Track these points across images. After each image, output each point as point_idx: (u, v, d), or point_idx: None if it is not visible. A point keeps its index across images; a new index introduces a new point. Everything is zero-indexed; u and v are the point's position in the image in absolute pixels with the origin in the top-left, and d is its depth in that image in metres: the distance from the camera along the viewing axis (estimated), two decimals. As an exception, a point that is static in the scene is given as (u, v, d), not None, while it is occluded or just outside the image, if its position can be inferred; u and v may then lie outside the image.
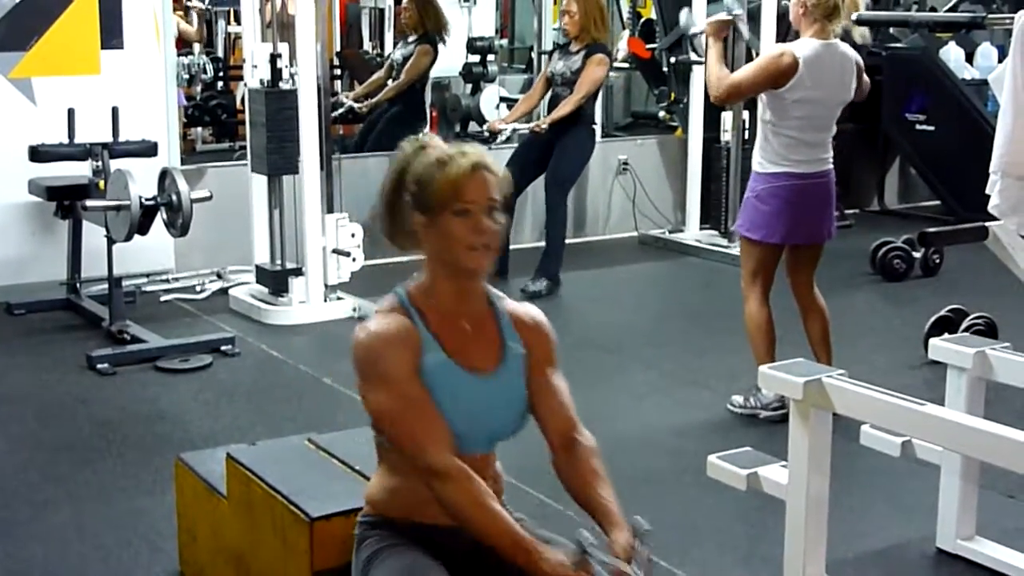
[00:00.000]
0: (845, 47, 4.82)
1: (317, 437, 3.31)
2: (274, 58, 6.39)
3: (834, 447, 3.31)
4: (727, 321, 6.50)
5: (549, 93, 7.29)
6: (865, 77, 4.94)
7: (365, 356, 2.37)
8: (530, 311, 2.54)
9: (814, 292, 5.01)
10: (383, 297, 2.48)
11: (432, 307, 2.42)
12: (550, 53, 7.68)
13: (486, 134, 7.87)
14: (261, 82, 6.45)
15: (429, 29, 8.32)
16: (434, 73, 9.57)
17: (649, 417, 4.99)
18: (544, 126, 7.01)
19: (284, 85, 6.40)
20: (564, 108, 6.99)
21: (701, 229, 8.47)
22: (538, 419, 2.49)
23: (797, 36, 4.87)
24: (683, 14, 8.31)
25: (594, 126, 7.31)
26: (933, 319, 5.76)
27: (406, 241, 2.45)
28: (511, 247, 7.19)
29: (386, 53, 10.80)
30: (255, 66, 6.52)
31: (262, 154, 6.41)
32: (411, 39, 8.44)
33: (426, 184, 2.37)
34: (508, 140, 7.41)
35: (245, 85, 6.95)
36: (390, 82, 8.50)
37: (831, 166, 4.87)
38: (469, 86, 9.57)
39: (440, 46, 8.45)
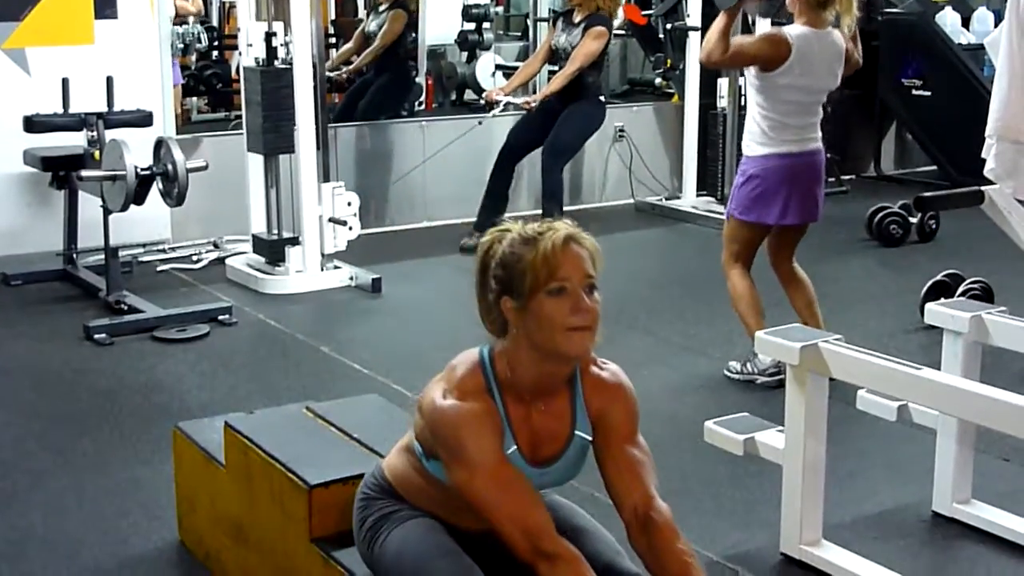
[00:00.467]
0: (836, 35, 4.79)
1: (315, 405, 3.31)
2: (269, 37, 6.37)
3: (830, 412, 3.32)
4: (724, 288, 6.48)
5: (550, 65, 7.25)
6: (856, 54, 4.90)
7: (453, 433, 2.25)
8: (612, 380, 2.41)
9: (794, 265, 5.04)
10: (464, 353, 2.38)
11: (512, 386, 2.32)
12: (553, 20, 7.56)
13: (482, 102, 7.80)
14: (256, 61, 6.42)
15: None
16: (429, 41, 9.56)
17: (646, 384, 4.98)
18: (534, 103, 6.95)
19: (279, 64, 6.37)
20: (555, 82, 6.94)
21: (698, 196, 8.46)
22: (611, 494, 2.36)
23: (791, 20, 4.85)
24: None
25: (601, 98, 7.20)
26: (929, 284, 5.76)
27: (498, 328, 2.34)
28: (507, 215, 7.22)
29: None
30: (250, 45, 6.49)
31: (258, 133, 6.39)
32: (382, 8, 8.46)
33: (513, 265, 2.26)
34: (504, 111, 7.35)
35: (240, 55, 6.92)
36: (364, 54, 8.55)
37: (820, 145, 4.88)
38: (465, 54, 9.55)
39: (413, 9, 8.52)
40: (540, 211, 7.12)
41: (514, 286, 2.25)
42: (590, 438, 2.36)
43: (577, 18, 6.98)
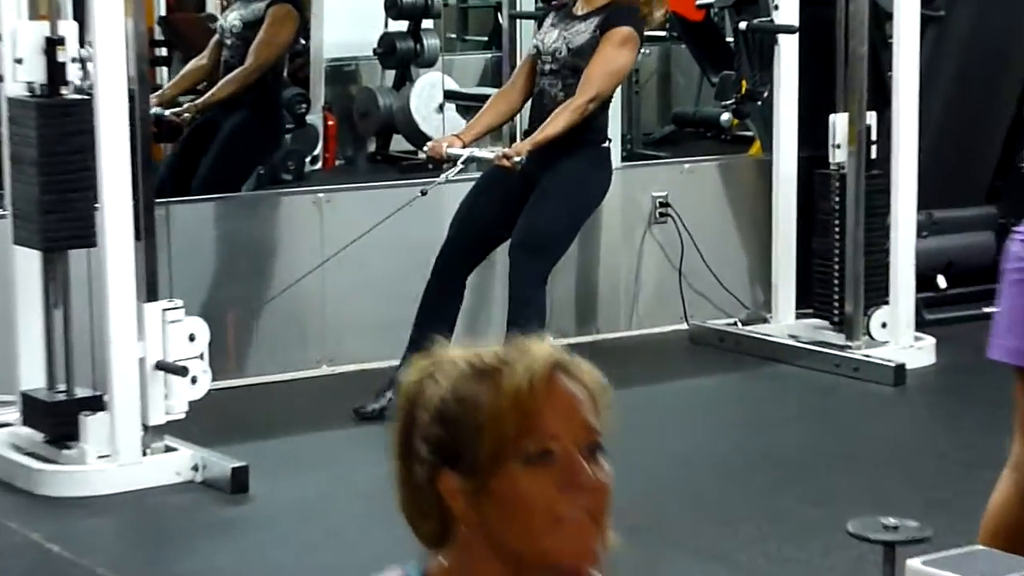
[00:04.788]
0: None
1: None
2: (52, 45, 6.41)
3: None
4: (848, 473, 6.52)
5: (534, 90, 7.23)
6: None
7: None
8: None
9: None
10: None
11: None
12: (539, 19, 7.58)
13: (425, 157, 7.59)
14: (30, 87, 6.50)
15: None
16: (332, 52, 9.62)
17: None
18: (520, 157, 6.86)
19: (71, 92, 6.44)
20: (557, 122, 6.93)
21: (798, 318, 8.53)
22: None
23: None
24: None
25: (605, 146, 7.28)
26: None
27: (434, 531, 2.32)
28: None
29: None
30: (19, 60, 6.53)
31: (32, 214, 6.41)
32: None
33: (460, 418, 2.25)
34: (464, 170, 7.24)
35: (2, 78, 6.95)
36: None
37: None
38: (391, 74, 9.61)
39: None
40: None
41: (462, 453, 2.23)
42: None
43: (582, 9, 7.09)
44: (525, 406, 2.20)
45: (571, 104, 6.92)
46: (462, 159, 7.10)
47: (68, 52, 6.46)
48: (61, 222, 6.42)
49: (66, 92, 6.46)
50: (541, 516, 2.19)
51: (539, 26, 7.42)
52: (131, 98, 6.38)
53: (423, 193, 7.10)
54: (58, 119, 6.40)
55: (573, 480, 2.19)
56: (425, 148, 7.42)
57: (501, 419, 2.20)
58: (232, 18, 8.52)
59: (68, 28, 6.50)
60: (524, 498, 2.19)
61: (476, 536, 2.25)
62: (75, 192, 6.39)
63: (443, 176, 7.16)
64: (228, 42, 8.49)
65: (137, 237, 6.41)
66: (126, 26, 6.36)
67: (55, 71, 6.44)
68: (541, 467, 2.19)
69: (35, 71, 6.47)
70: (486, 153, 7.18)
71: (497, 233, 7.15)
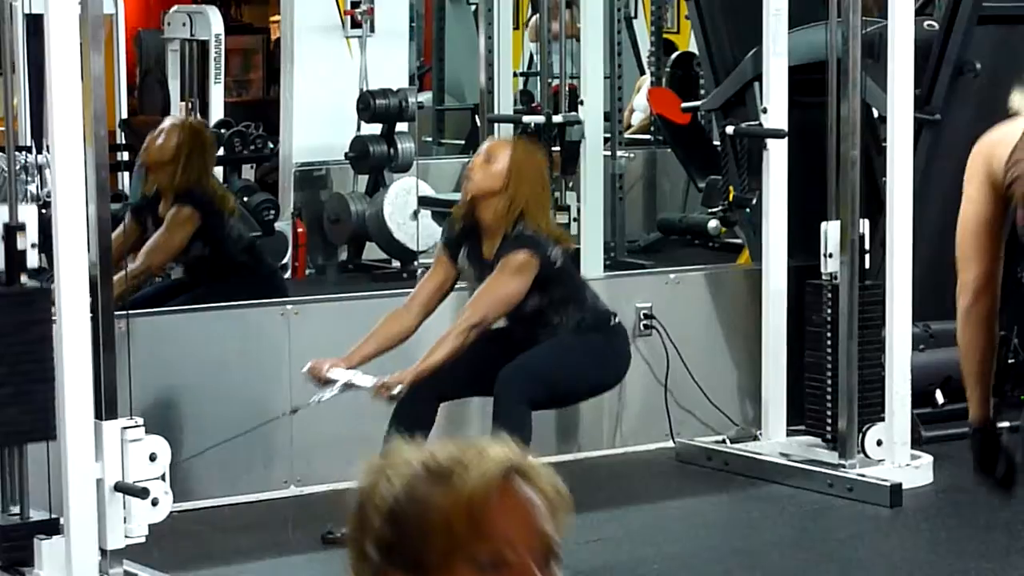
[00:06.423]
0: None
1: None
2: (11, 232, 6.39)
3: None
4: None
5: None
6: None
7: None
8: None
9: None
10: None
11: None
12: (446, 244, 7.51)
13: (305, 374, 7.30)
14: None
15: (181, 185, 8.37)
16: (303, 157, 9.62)
17: None
18: (399, 388, 6.90)
19: (27, 281, 6.41)
20: (441, 349, 7.00)
21: (789, 435, 8.49)
22: None
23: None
24: None
25: (614, 324, 7.37)
26: None
27: None
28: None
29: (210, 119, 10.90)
30: None
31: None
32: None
33: (412, 519, 2.28)
34: (343, 392, 7.13)
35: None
36: None
37: None
38: (364, 179, 9.60)
39: (214, 201, 8.49)
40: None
41: (411, 556, 2.27)
42: None
43: (488, 251, 7.20)
44: (478, 510, 2.24)
45: (454, 330, 7.05)
46: (339, 384, 7.04)
47: (28, 239, 6.44)
48: (20, 415, 6.42)
49: (24, 280, 6.45)
50: None
51: (450, 257, 7.40)
52: (92, 286, 6.37)
53: (293, 412, 7.10)
54: (16, 309, 6.43)
55: None
56: (305, 368, 7.27)
57: (452, 522, 2.23)
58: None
59: (28, 213, 6.49)
60: None
61: None
62: (34, 384, 6.38)
63: (315, 398, 7.13)
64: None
65: (95, 352, 6.39)
66: (88, 212, 6.35)
67: (14, 260, 6.42)
68: (494, 575, 2.23)
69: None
70: (365, 382, 7.05)
71: (483, 379, 7.15)
